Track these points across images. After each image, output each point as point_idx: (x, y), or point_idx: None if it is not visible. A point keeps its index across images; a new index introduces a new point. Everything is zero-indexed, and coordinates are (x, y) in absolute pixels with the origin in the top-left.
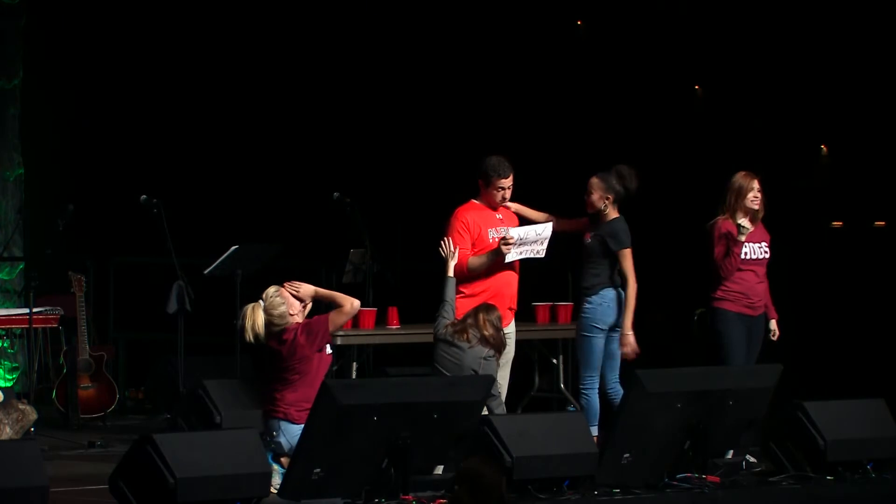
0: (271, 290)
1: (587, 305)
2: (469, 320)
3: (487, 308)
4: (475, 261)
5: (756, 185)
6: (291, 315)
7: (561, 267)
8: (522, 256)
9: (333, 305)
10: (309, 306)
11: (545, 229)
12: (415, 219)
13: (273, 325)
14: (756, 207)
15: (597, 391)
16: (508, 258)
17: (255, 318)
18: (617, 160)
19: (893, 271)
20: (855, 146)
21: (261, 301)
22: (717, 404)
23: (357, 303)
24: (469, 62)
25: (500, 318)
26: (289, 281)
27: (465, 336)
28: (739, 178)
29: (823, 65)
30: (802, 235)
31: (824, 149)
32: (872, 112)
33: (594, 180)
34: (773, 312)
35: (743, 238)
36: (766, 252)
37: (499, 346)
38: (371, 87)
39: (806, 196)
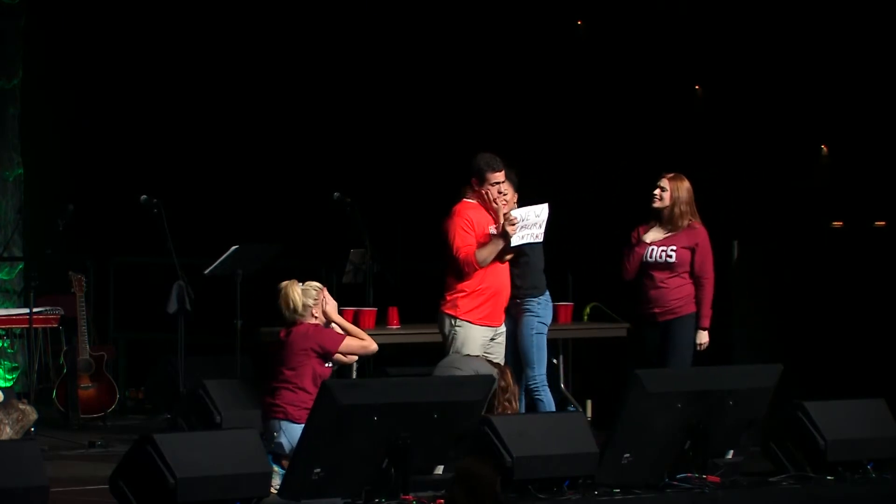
0: (316, 284)
1: (537, 306)
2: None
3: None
4: (482, 252)
5: (661, 182)
6: (314, 314)
7: (561, 267)
8: (524, 241)
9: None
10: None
11: (542, 210)
12: (415, 219)
13: (294, 307)
14: (654, 204)
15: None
16: (513, 242)
17: (292, 292)
18: (617, 160)
19: (893, 271)
20: (855, 146)
21: (299, 283)
22: (717, 404)
23: (375, 347)
24: (469, 62)
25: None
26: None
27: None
28: None
29: (823, 65)
30: (802, 235)
31: (824, 149)
32: (872, 112)
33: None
34: (702, 320)
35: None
36: (669, 256)
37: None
38: (370, 87)
39: (806, 196)
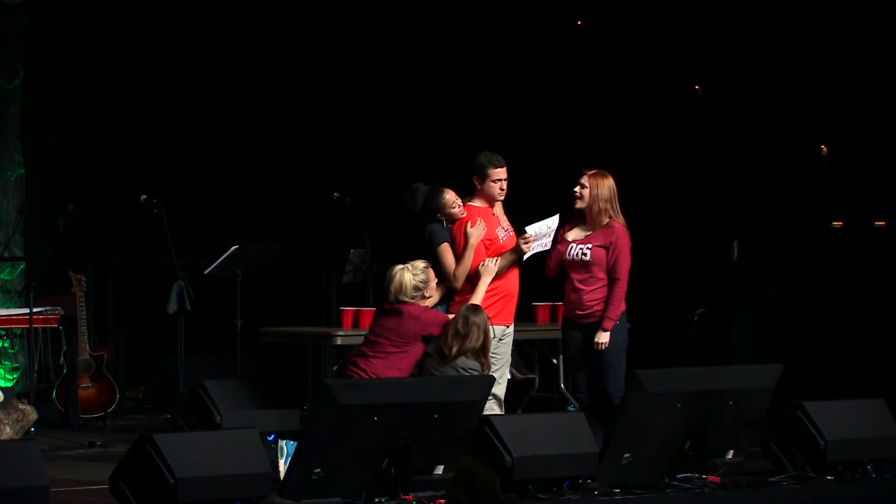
0: (421, 263)
1: None
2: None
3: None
4: (499, 265)
5: (581, 179)
6: (426, 295)
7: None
8: (535, 251)
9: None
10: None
11: (553, 221)
12: (414, 219)
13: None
14: (576, 204)
15: None
16: (527, 256)
17: (404, 278)
18: (617, 160)
19: (893, 271)
20: (855, 146)
21: (409, 266)
22: (717, 404)
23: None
24: (469, 62)
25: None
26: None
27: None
28: None
29: (823, 65)
30: (802, 235)
31: (824, 149)
32: (872, 112)
33: None
34: (604, 321)
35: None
36: (584, 255)
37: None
38: (371, 87)
39: (806, 196)
